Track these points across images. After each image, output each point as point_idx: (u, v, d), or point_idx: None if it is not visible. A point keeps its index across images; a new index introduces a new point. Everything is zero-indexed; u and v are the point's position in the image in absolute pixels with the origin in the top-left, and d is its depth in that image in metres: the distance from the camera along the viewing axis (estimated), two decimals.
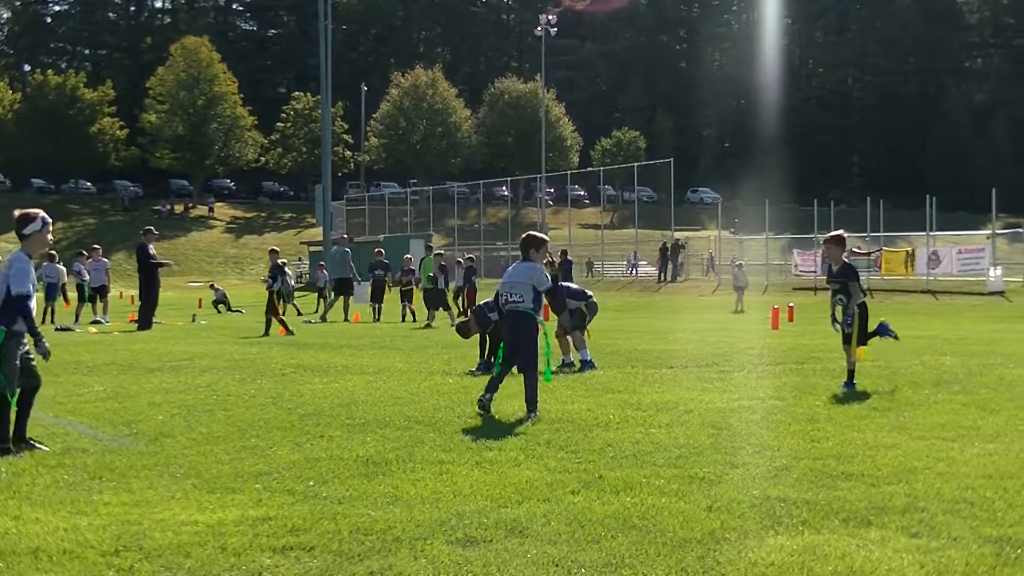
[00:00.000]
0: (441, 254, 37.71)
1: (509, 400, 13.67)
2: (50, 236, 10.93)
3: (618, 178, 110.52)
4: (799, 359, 20.12)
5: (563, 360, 18.65)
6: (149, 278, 32.27)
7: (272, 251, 32.87)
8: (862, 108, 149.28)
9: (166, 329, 32.15)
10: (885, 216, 59.79)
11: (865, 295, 15.71)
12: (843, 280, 15.41)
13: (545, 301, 14.98)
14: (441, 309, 36.35)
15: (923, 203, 55.24)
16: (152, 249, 32.45)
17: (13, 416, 10.53)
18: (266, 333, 29.23)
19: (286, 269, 34.86)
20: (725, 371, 18.08)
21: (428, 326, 33.70)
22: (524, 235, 13.89)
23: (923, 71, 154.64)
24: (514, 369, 13.45)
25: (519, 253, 13.75)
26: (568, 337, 18.78)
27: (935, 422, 12.11)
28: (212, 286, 56.09)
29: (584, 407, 13.30)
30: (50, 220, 10.87)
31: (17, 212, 10.82)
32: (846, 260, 15.80)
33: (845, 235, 15.96)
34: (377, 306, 40.23)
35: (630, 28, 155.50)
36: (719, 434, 11.31)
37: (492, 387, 13.13)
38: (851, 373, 15.23)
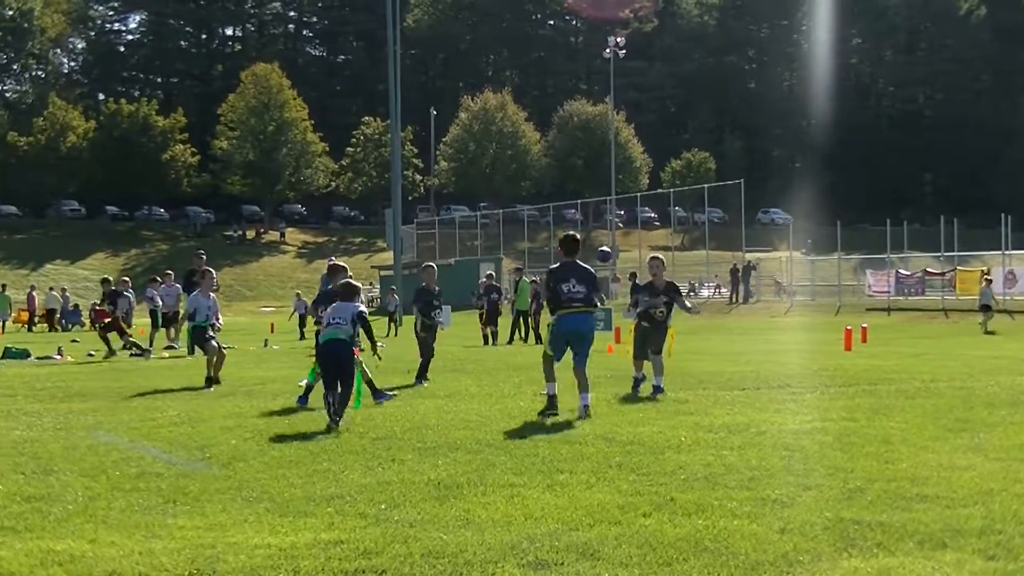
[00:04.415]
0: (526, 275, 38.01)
1: (591, 422, 13.69)
2: None
3: (688, 199, 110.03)
4: (872, 380, 19.96)
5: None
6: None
7: (104, 280, 34.00)
8: (934, 126, 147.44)
9: (239, 354, 32.37)
10: (959, 235, 59.21)
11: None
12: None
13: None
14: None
15: (997, 221, 54.63)
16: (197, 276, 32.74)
17: None
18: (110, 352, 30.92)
19: (126, 293, 34.29)
20: (797, 392, 17.98)
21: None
22: (345, 282, 15.50)
23: (995, 89, 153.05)
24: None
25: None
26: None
27: (1012, 443, 12.00)
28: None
29: (655, 429, 13.27)
30: None
31: None
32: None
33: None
34: (493, 330, 38.83)
35: (699, 49, 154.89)
36: (792, 456, 11.26)
37: (337, 412, 14.03)
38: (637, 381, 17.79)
